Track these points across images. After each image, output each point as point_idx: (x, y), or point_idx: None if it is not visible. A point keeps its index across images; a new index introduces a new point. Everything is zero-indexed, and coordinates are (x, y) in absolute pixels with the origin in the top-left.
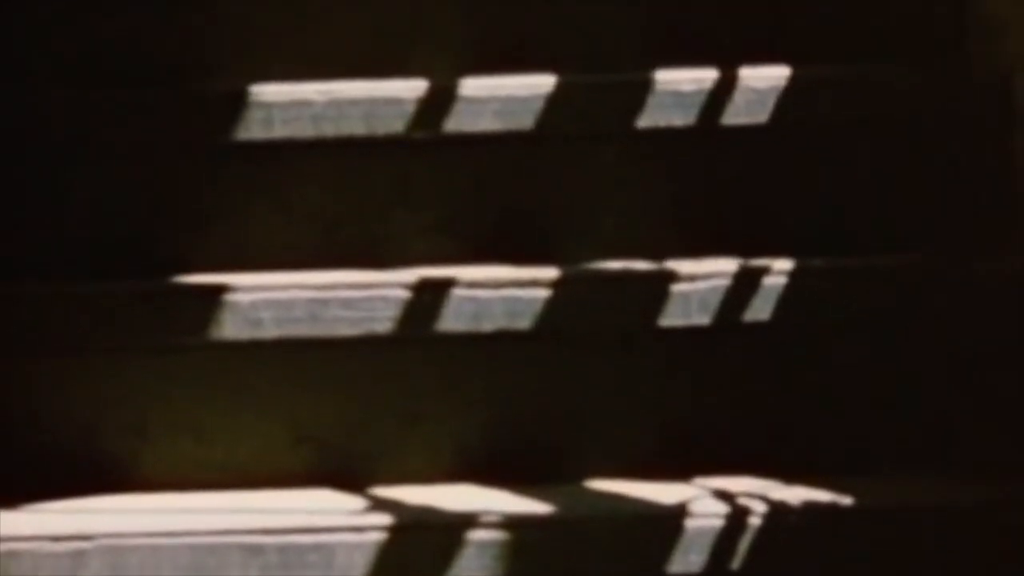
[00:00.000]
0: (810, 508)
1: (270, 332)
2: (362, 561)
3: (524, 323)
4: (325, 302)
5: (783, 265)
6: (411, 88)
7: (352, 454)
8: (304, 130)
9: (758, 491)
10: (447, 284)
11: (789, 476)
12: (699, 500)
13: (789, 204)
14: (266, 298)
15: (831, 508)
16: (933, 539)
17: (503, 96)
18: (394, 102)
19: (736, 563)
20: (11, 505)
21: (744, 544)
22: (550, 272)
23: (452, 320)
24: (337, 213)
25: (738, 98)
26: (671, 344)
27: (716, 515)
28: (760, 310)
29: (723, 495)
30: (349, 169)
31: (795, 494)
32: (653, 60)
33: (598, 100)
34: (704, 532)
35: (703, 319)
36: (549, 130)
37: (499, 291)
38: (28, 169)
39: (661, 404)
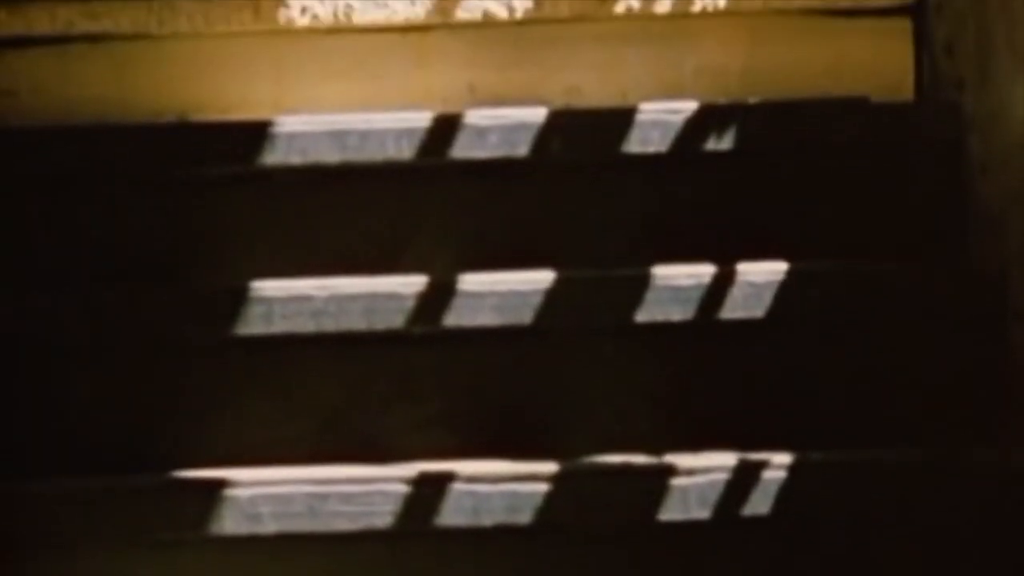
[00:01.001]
0: None
1: (269, 527)
2: None
3: (524, 518)
4: (324, 497)
5: (782, 459)
6: (410, 283)
7: None
8: (305, 325)
9: None
10: (446, 479)
11: None
12: None
13: (787, 397)
14: (265, 493)
15: None
16: None
17: (502, 291)
18: (394, 297)
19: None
20: None
21: None
22: (549, 466)
23: (451, 515)
24: (337, 407)
25: (735, 292)
26: (670, 538)
27: None
28: (759, 504)
29: None
30: (349, 363)
31: None
32: (652, 255)
33: (597, 295)
34: None
35: (702, 513)
36: (548, 325)
37: (498, 486)
38: (31, 367)
39: None
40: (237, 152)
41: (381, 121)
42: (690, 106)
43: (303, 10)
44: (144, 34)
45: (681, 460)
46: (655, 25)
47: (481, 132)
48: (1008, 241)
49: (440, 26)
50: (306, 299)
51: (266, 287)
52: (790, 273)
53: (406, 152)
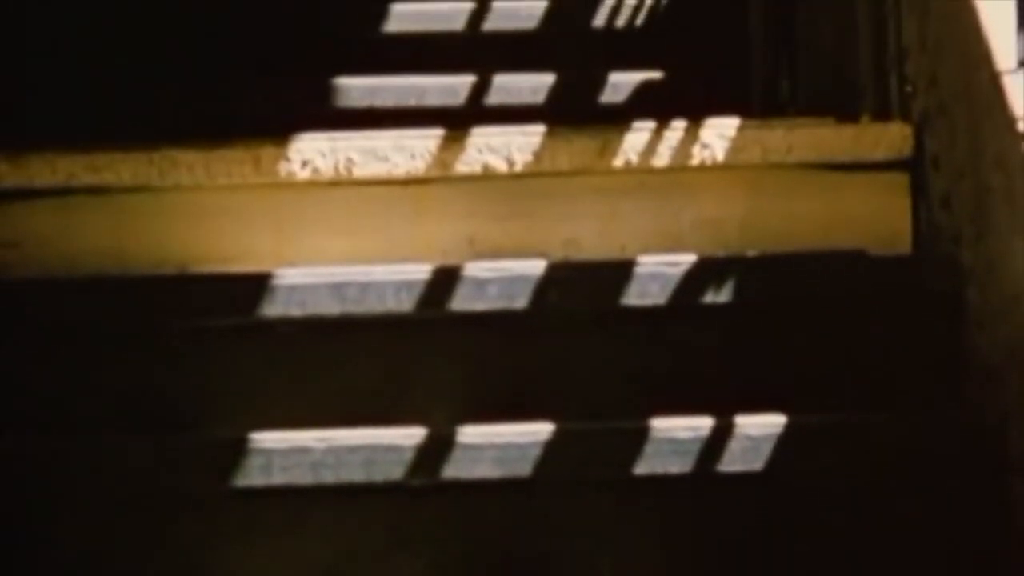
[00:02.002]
0: None
1: None
2: None
3: None
4: None
5: None
6: (409, 435)
7: None
8: (303, 477)
9: None
10: None
11: None
12: None
13: (786, 551)
14: None
15: None
16: None
17: (501, 443)
18: (393, 449)
19: None
20: None
21: None
22: None
23: None
24: (335, 559)
25: (733, 446)
26: None
27: None
28: None
29: None
30: (347, 515)
31: None
32: (650, 407)
33: (595, 448)
34: None
35: None
36: (546, 477)
37: None
38: (25, 513)
39: None
40: (237, 304)
41: (381, 273)
42: (688, 259)
43: (304, 163)
44: (145, 186)
45: None
46: (653, 178)
47: (480, 284)
48: (1007, 394)
49: (440, 179)
50: (305, 451)
51: (265, 438)
52: (788, 426)
53: (406, 304)
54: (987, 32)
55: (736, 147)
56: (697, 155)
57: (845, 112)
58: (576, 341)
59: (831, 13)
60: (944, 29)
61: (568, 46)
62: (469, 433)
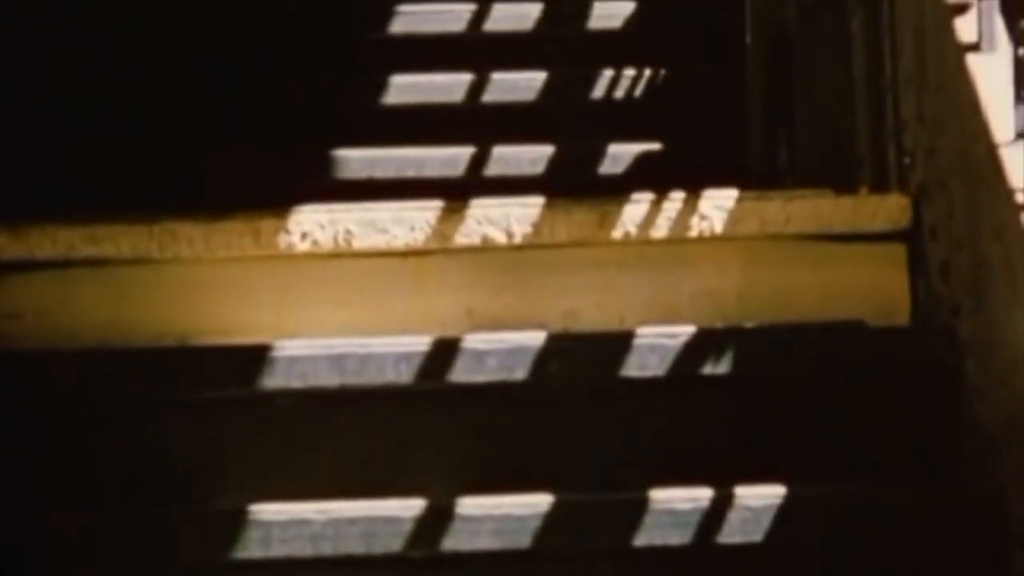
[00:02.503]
0: None
1: None
2: None
3: None
4: None
5: None
6: (408, 507)
7: None
8: (303, 549)
9: None
10: None
11: None
12: None
13: None
14: None
15: None
16: None
17: (499, 515)
18: (391, 521)
19: None
20: None
21: None
22: None
23: None
24: None
25: (733, 517)
26: None
27: None
28: None
29: None
30: None
31: None
32: (650, 478)
33: (595, 519)
34: None
35: None
36: (546, 548)
37: None
38: None
39: None
40: (238, 376)
41: (380, 345)
42: (687, 330)
43: (303, 236)
44: (145, 258)
45: None
46: (652, 250)
47: (479, 356)
48: (1006, 464)
49: (439, 251)
50: (304, 523)
51: (264, 510)
52: (788, 497)
53: (405, 376)
54: (985, 105)
55: (734, 218)
56: (696, 226)
57: (843, 183)
58: (575, 412)
59: (829, 85)
60: (942, 102)
61: (567, 118)
62: (468, 505)
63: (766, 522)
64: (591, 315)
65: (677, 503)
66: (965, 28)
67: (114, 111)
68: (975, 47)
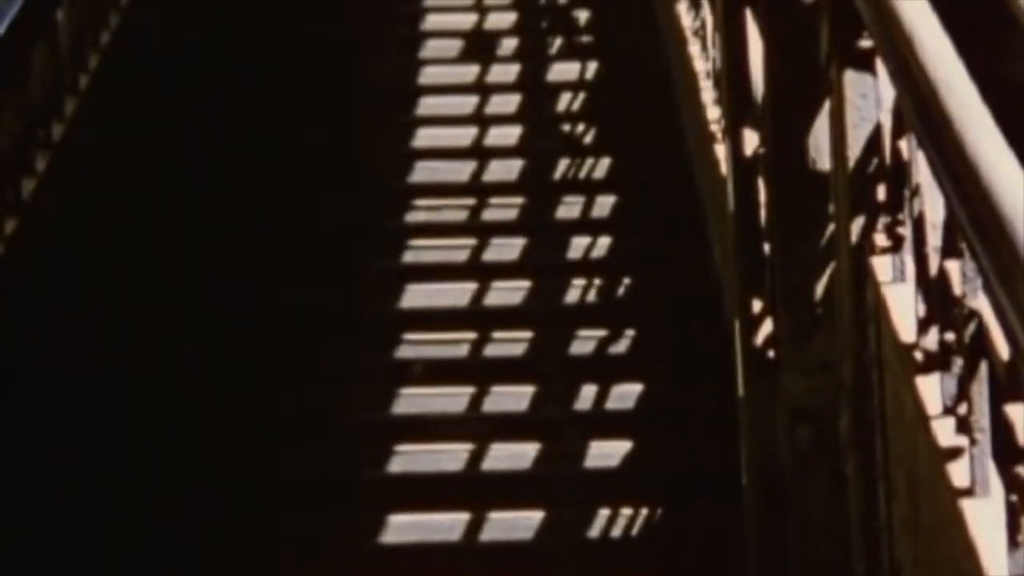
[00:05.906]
0: None
1: None
2: None
3: None
4: None
5: None
6: None
7: None
8: None
9: None
10: None
11: None
12: None
13: None
14: None
15: None
16: None
17: None
18: None
19: None
20: None
21: None
22: None
23: None
24: None
25: None
26: None
27: None
28: None
29: None
30: None
31: None
32: None
33: None
34: None
35: None
36: None
37: None
38: None
39: None
40: None
41: None
42: None
43: None
44: None
45: None
46: None
47: None
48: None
49: None
50: None
51: None
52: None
53: None
54: (978, 549)
55: None
56: None
57: None
58: None
59: (825, 534)
60: (936, 546)
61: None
62: None
63: None
64: None
65: None
66: (958, 473)
67: None
68: (968, 492)
